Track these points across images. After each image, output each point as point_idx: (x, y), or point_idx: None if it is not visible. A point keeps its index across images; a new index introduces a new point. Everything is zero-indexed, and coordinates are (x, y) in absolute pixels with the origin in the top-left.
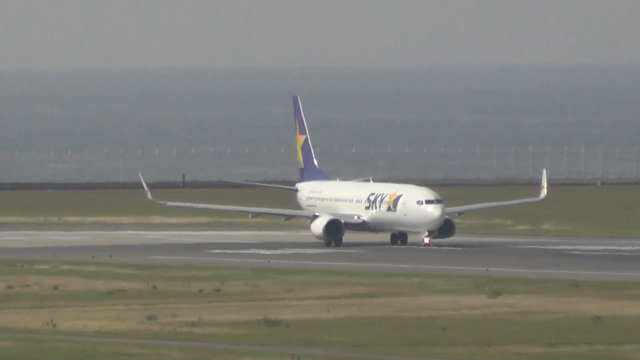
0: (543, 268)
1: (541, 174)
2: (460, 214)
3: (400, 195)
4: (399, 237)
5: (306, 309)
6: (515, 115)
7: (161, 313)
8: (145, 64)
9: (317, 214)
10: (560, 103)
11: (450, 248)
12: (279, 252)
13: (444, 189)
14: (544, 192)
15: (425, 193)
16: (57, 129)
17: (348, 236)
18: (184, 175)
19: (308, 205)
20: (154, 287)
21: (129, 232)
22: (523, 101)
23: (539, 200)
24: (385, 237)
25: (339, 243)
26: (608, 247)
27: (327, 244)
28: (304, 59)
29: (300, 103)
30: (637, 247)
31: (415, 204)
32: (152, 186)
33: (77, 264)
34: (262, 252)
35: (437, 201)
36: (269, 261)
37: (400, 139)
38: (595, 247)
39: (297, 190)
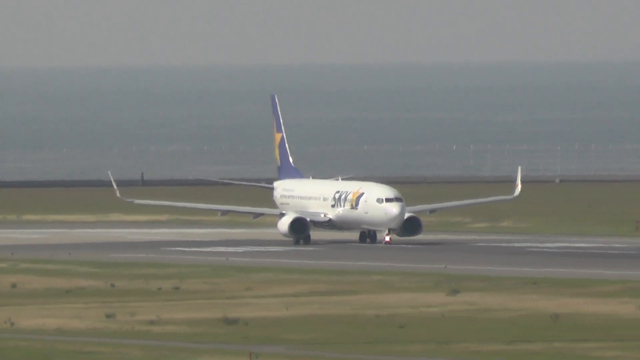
0: (502, 265)
1: (516, 171)
2: (432, 212)
3: (363, 193)
4: (369, 235)
5: (265, 307)
6: (473, 113)
7: (120, 311)
8: (120, 62)
9: (283, 212)
10: (521, 101)
11: (410, 246)
12: (241, 249)
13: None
14: (518, 189)
15: (385, 191)
16: (17, 128)
17: (317, 234)
18: (142, 174)
19: (282, 203)
20: (113, 285)
21: (88, 230)
22: (482, 99)
23: (512, 198)
24: (355, 235)
25: (307, 241)
26: (566, 245)
27: (296, 242)
28: (283, 57)
29: (277, 102)
30: (595, 245)
31: (376, 202)
32: (111, 184)
33: (36, 262)
34: (223, 249)
35: (397, 199)
36: (227, 259)
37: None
38: (554, 245)
39: (273, 188)
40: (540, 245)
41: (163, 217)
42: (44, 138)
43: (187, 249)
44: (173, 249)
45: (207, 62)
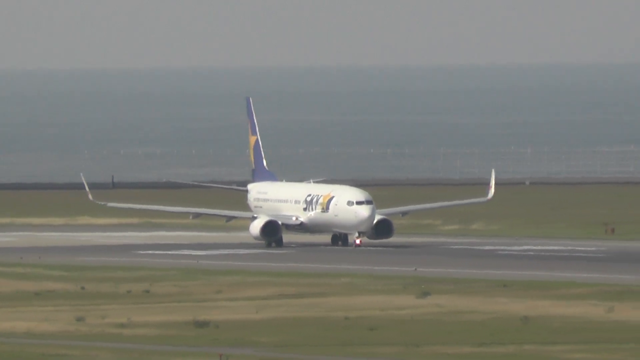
0: (472, 268)
1: (490, 174)
2: (404, 214)
3: (333, 197)
4: (340, 237)
5: (235, 310)
6: (445, 116)
7: (90, 314)
8: (93, 65)
9: (255, 215)
10: (490, 104)
11: (380, 248)
12: (213, 252)
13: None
14: (492, 191)
15: (356, 194)
16: None
17: (290, 237)
18: (112, 176)
19: (255, 206)
20: (83, 288)
21: (58, 233)
22: (454, 102)
23: (485, 201)
24: (327, 237)
25: (279, 244)
26: (536, 247)
27: (268, 245)
28: (258, 59)
29: (252, 104)
30: (565, 247)
31: (346, 204)
32: (82, 187)
33: (5, 265)
34: (193, 252)
35: (367, 202)
36: (197, 262)
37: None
38: (524, 247)
39: (247, 191)
40: (510, 247)
41: (133, 220)
42: (13, 141)
43: (157, 252)
44: (143, 252)
45: (183, 65)
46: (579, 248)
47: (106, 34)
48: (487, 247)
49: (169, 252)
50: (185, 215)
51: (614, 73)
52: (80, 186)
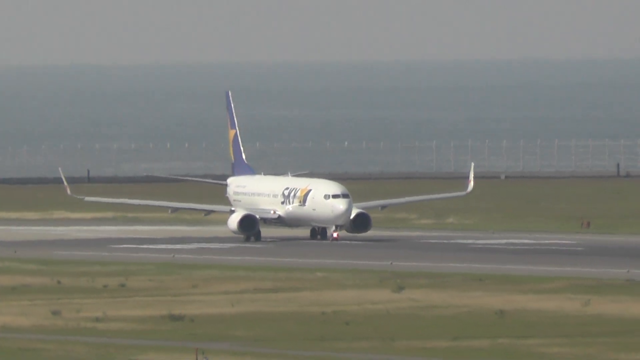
0: (447, 262)
1: (469, 168)
2: (383, 207)
3: (310, 190)
4: (319, 231)
5: (211, 304)
6: (423, 111)
7: (66, 308)
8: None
9: (233, 209)
10: (465, 99)
11: (355, 242)
12: (188, 246)
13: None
14: (471, 185)
15: (332, 187)
16: None
17: (269, 231)
18: (88, 171)
19: (234, 200)
20: (59, 282)
21: (33, 227)
22: (430, 97)
23: (464, 194)
24: (306, 231)
25: (258, 238)
26: (511, 241)
27: (247, 239)
28: (237, 55)
29: (231, 98)
30: (541, 241)
31: (323, 198)
32: (58, 181)
33: None
34: (170, 247)
35: (344, 195)
36: (173, 256)
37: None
38: (499, 241)
39: (227, 185)
40: (485, 241)
41: (109, 215)
42: None
43: (133, 246)
44: (119, 246)
45: (163, 60)
46: (555, 242)
47: (85, 28)
48: (462, 241)
49: (145, 247)
50: (163, 209)
51: (589, 69)
52: (55, 180)
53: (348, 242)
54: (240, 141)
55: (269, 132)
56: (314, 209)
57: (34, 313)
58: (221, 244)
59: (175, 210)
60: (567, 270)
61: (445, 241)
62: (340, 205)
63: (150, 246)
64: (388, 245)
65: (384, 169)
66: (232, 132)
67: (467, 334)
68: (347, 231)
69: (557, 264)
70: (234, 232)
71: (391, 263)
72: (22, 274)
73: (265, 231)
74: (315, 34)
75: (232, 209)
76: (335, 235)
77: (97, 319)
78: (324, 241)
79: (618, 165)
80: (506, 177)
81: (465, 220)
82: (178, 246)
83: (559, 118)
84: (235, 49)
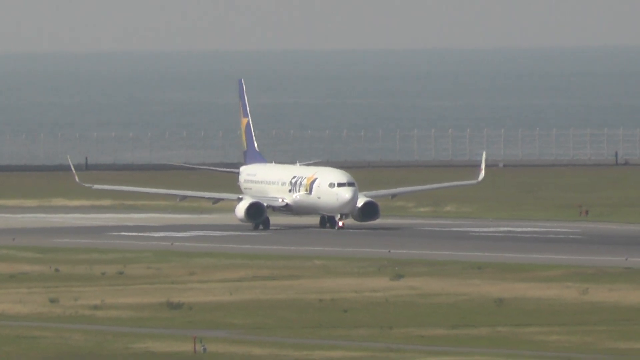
0: (445, 250)
1: (481, 156)
2: (393, 196)
3: (316, 178)
4: (328, 220)
5: (209, 292)
6: (422, 99)
7: (64, 296)
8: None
9: (241, 197)
10: (464, 87)
11: (351, 230)
12: (187, 234)
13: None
14: (482, 174)
15: (338, 176)
16: None
17: (278, 219)
18: (86, 158)
19: (245, 188)
20: (57, 270)
21: (31, 215)
22: (429, 85)
23: (476, 183)
24: (316, 219)
25: (266, 226)
26: (510, 229)
27: (255, 227)
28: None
29: (244, 86)
30: (539, 229)
31: (328, 186)
32: (57, 168)
33: None
34: (168, 234)
35: (350, 184)
36: (172, 244)
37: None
38: (498, 229)
39: (239, 173)
40: (484, 229)
41: (107, 202)
42: None
43: (131, 234)
44: (117, 234)
45: (174, 48)
46: (553, 230)
47: (89, 13)
48: (460, 229)
49: (143, 234)
50: (170, 197)
51: (587, 57)
52: (54, 168)
53: (353, 230)
54: (252, 129)
55: (283, 119)
56: (319, 197)
57: (31, 301)
58: (222, 232)
59: (183, 198)
60: (565, 259)
61: (443, 229)
62: (346, 193)
63: (149, 234)
64: (386, 233)
65: (383, 157)
66: (244, 121)
67: (466, 322)
68: (355, 220)
69: (556, 252)
70: (241, 220)
71: (389, 251)
72: (20, 261)
73: (275, 219)
74: (330, 21)
75: (240, 196)
76: (340, 223)
77: (95, 307)
78: (330, 229)
79: (616, 153)
80: (504, 165)
81: (464, 209)
82: (177, 234)
83: (557, 106)
84: (247, 37)
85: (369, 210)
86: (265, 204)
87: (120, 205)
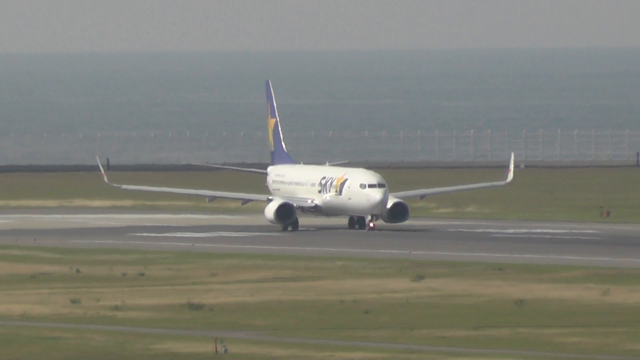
0: (466, 251)
1: (509, 157)
2: (422, 197)
3: (347, 179)
4: (357, 221)
5: (230, 293)
6: (439, 100)
7: (85, 297)
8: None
9: (270, 198)
10: (484, 87)
11: (379, 232)
12: (208, 235)
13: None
14: (511, 175)
15: (368, 177)
16: None
17: (307, 220)
18: (108, 159)
19: (274, 189)
20: (78, 271)
21: (52, 215)
22: (446, 85)
23: (504, 184)
24: (345, 220)
25: (295, 227)
26: (531, 231)
27: (285, 228)
28: (278, 43)
29: (271, 87)
30: (560, 230)
31: (359, 187)
32: (77, 169)
33: (0, 248)
34: (189, 235)
35: (380, 185)
36: (192, 245)
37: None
38: (519, 230)
39: (267, 174)
40: (504, 231)
41: (128, 203)
42: (7, 123)
43: (152, 235)
44: (138, 234)
45: (199, 48)
46: (574, 231)
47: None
48: (481, 230)
49: (164, 235)
50: (200, 198)
51: (609, 58)
52: (74, 168)
53: (379, 231)
54: (280, 130)
55: (302, 120)
56: (349, 198)
57: (53, 301)
58: (239, 233)
59: (212, 199)
60: (586, 260)
61: (464, 230)
62: (376, 194)
63: (170, 234)
64: (407, 234)
65: (404, 159)
66: (272, 121)
67: (486, 323)
68: (385, 221)
69: (577, 254)
70: (270, 221)
71: (410, 252)
72: (41, 262)
73: (304, 220)
74: (352, 22)
75: (270, 197)
76: (371, 224)
77: (116, 308)
78: (358, 230)
79: (638, 154)
80: (525, 166)
81: (485, 210)
82: (198, 234)
83: (579, 107)
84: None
85: (398, 212)
86: (295, 205)
87: (142, 205)
